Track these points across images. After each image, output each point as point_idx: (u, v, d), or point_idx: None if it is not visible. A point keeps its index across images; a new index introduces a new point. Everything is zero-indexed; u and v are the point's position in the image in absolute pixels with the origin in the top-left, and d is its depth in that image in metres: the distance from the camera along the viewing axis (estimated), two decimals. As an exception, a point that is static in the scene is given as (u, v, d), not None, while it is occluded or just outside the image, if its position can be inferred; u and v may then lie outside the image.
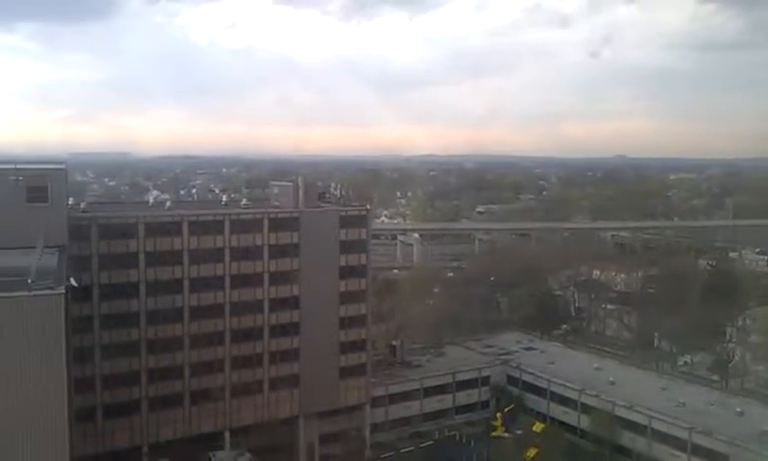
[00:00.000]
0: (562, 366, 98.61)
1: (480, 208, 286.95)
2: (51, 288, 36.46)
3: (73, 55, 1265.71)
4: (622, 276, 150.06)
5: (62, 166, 58.57)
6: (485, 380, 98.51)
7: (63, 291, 36.78)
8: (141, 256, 72.87)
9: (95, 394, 70.05)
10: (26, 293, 35.33)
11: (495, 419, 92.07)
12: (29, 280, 35.90)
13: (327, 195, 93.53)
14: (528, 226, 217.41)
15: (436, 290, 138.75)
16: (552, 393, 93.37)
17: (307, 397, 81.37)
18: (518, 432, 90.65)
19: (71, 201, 69.02)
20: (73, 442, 38.87)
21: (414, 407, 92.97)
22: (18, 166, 52.11)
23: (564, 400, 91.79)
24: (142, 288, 72.98)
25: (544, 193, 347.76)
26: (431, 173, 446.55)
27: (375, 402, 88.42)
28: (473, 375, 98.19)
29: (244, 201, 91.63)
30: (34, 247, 40.89)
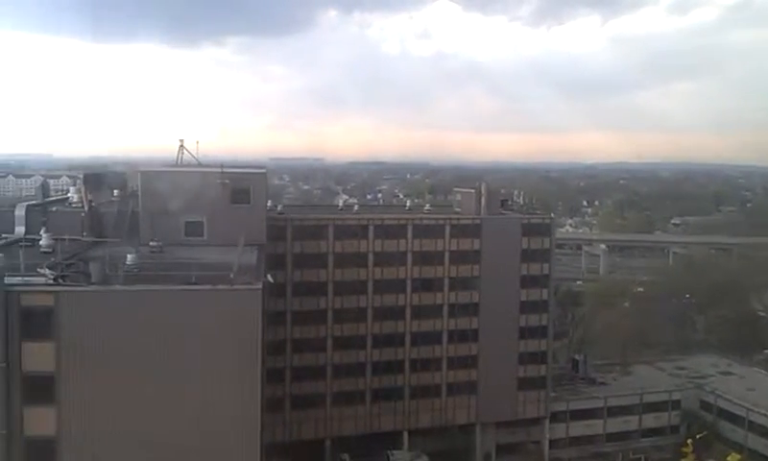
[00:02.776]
0: (764, 394, 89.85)
1: (676, 220, 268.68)
2: (250, 284, 39.10)
3: (274, 66, 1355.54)
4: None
5: (263, 170, 62.38)
6: (675, 404, 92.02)
7: (261, 287, 39.25)
8: (330, 257, 76.42)
9: (284, 385, 74.41)
10: (228, 287, 38.24)
11: (686, 445, 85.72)
12: (231, 275, 38.79)
13: (510, 202, 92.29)
14: (730, 240, 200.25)
15: (624, 304, 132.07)
16: (751, 422, 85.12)
17: (485, 405, 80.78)
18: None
19: (270, 203, 73.63)
20: (264, 430, 41.36)
21: (596, 426, 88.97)
22: (224, 170, 56.07)
23: (764, 432, 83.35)
24: (330, 287, 76.46)
25: (749, 205, 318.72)
26: (621, 181, 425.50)
27: (555, 417, 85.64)
28: (663, 397, 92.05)
29: (427, 206, 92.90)
30: (236, 245, 43.97)
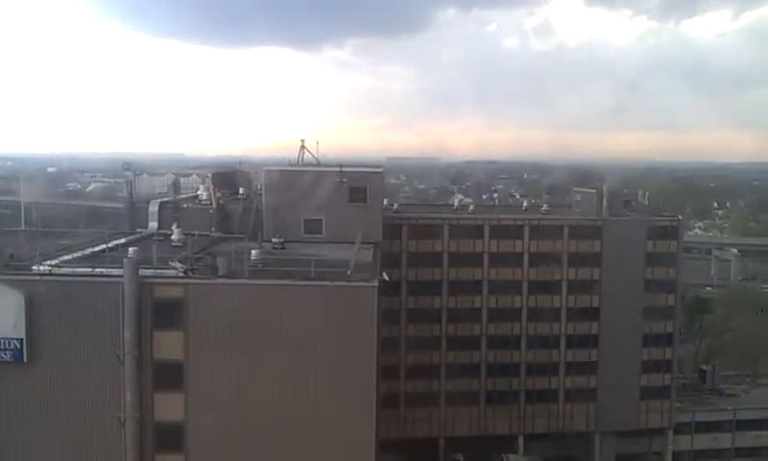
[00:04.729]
0: None
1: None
2: (366, 281, 39.62)
3: (392, 66, 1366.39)
4: None
5: (380, 170, 63.00)
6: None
7: (377, 284, 39.69)
8: (445, 256, 76.29)
9: (399, 383, 74.90)
10: (345, 283, 38.95)
11: (828, 467, 79.61)
12: (348, 272, 39.49)
13: (634, 203, 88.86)
14: None
15: (757, 313, 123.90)
16: None
17: (604, 413, 78.17)
18: None
19: (386, 201, 74.37)
20: (379, 425, 41.80)
21: (724, 440, 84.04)
22: (343, 169, 57.13)
23: None
24: (444, 287, 76.35)
25: None
26: (755, 182, 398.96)
27: (679, 429, 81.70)
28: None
29: (544, 207, 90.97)
30: (353, 242, 44.68)
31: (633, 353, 78.34)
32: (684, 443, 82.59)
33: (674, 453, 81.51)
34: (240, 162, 78.17)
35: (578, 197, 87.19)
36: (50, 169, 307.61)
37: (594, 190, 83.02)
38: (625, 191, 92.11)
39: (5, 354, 37.27)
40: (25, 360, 37.34)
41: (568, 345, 78.35)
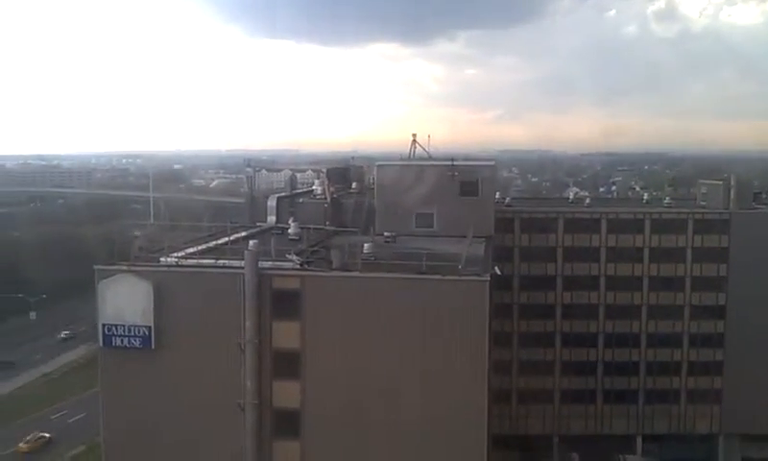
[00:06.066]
0: None
1: None
2: (478, 275, 39.34)
3: (505, 58, 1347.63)
4: None
5: (492, 163, 62.37)
6: None
7: (488, 278, 39.34)
8: (559, 251, 74.69)
9: (511, 379, 74.11)
10: (456, 277, 38.86)
11: None
12: (459, 266, 39.39)
13: (764, 195, 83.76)
14: None
15: None
16: None
17: (730, 415, 74.32)
18: None
19: (498, 195, 73.58)
20: (491, 420, 41.53)
21: None
22: (454, 163, 56.90)
23: None
24: (559, 282, 74.80)
25: None
26: None
27: (815, 434, 76.40)
28: None
29: (667, 199, 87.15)
30: (464, 236, 44.50)
31: (762, 354, 73.83)
32: (821, 450, 77.06)
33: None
34: (353, 157, 79.48)
35: (704, 189, 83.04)
36: (176, 166, 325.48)
37: (721, 182, 78.87)
38: (755, 183, 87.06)
39: (135, 341, 39.74)
40: (153, 347, 39.61)
41: (692, 344, 74.94)
